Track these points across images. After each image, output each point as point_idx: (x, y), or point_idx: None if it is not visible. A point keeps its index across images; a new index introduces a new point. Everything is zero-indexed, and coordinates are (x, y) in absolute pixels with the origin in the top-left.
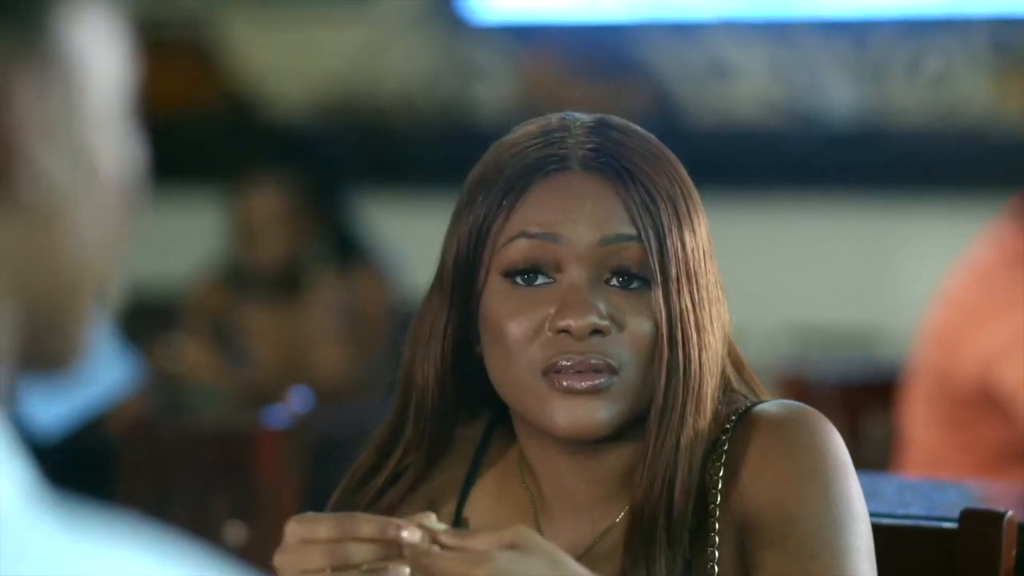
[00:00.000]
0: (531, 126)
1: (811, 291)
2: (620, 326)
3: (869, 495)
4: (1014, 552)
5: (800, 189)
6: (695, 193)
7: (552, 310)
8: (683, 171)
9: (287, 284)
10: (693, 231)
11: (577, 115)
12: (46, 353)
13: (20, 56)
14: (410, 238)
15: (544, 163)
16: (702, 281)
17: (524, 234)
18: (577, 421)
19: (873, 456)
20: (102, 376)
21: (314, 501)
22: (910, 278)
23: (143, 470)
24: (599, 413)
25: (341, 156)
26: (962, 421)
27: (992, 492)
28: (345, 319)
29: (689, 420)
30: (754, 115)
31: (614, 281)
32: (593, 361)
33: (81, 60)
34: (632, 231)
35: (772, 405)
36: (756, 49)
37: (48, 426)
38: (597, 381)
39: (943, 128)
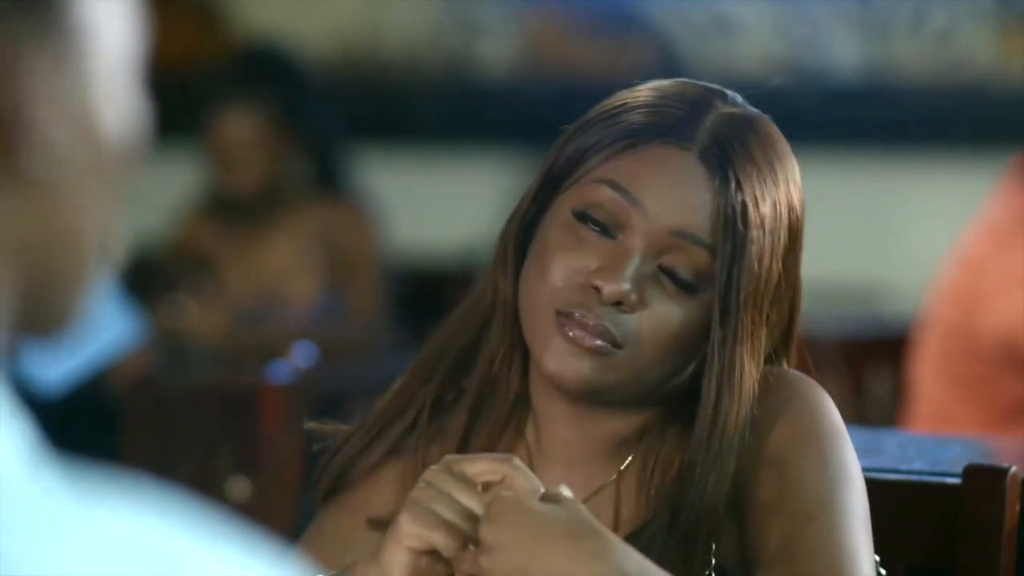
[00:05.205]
0: (689, 87)
1: (814, 247)
2: (644, 306)
3: (872, 451)
4: (1017, 507)
5: (803, 145)
6: (802, 221)
7: (597, 264)
8: (798, 194)
9: (263, 211)
10: (776, 259)
11: (734, 98)
12: (44, 317)
13: (30, 28)
14: (413, 193)
15: (670, 130)
16: (767, 296)
17: (613, 184)
18: (564, 370)
19: (876, 413)
20: (105, 333)
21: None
22: (913, 234)
23: (146, 426)
24: (586, 369)
25: (343, 111)
26: (979, 378)
27: (996, 448)
28: (322, 250)
29: (735, 435)
30: (757, 71)
31: (663, 270)
32: (603, 326)
33: (90, 27)
34: (708, 239)
35: (767, 373)
36: (760, 5)
37: (51, 383)
38: (599, 342)
39: (947, 84)
